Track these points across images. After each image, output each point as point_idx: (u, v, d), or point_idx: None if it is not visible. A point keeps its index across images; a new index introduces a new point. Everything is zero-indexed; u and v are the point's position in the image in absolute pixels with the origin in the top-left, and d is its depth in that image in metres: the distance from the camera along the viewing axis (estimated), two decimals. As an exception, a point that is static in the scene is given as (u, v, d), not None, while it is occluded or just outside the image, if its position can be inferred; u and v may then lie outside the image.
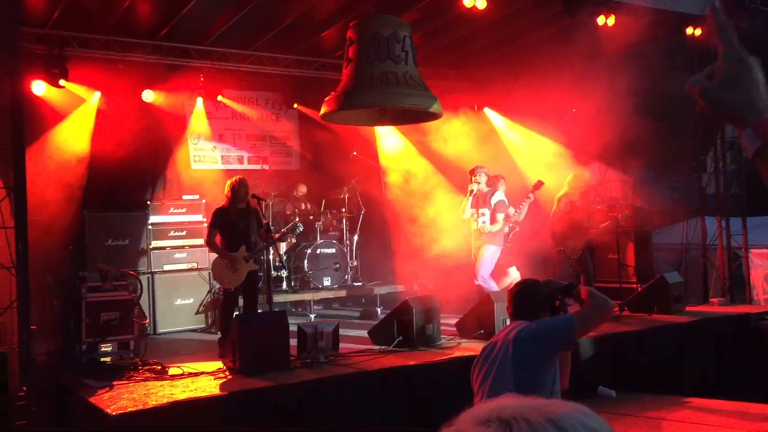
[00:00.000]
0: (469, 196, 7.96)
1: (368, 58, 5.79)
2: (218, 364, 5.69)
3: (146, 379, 5.26)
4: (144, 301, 7.37)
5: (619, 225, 8.39)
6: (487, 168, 8.11)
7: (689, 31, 8.65)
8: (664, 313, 7.68)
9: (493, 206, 7.83)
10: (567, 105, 9.75)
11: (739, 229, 9.09)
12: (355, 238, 10.23)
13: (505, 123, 11.01)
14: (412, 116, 6.49)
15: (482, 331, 6.52)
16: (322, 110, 5.93)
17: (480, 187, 7.90)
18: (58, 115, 8.81)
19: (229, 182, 6.79)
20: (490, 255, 7.82)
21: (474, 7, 7.47)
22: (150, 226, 8.58)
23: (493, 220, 7.83)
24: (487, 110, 11.13)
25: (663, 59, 9.07)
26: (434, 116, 6.23)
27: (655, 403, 5.91)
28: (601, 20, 8.04)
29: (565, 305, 3.33)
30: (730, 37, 1.17)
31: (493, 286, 7.69)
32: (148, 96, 9.48)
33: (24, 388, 5.21)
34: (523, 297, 3.37)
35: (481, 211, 7.87)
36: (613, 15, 8.00)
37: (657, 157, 10.84)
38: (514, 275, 8.12)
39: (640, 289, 8.36)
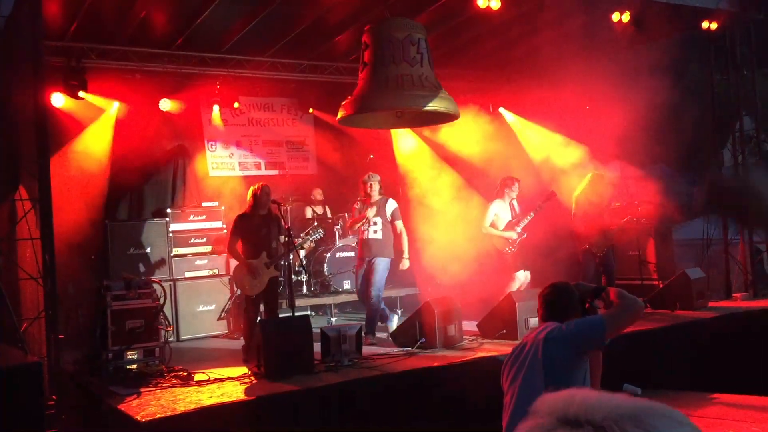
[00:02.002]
0: (361, 204, 7.78)
1: (383, 61, 5.81)
2: (243, 370, 5.75)
3: (173, 386, 5.31)
4: (167, 309, 7.42)
5: (639, 221, 8.35)
6: (379, 176, 7.82)
7: (705, 25, 8.61)
8: (687, 309, 7.63)
9: (390, 215, 7.56)
10: (582, 102, 9.72)
11: (761, 223, 9.02)
12: (374, 241, 10.22)
13: (521, 122, 10.98)
14: (429, 118, 6.49)
15: (504, 331, 6.53)
16: (339, 114, 5.96)
17: (372, 193, 7.63)
18: (77, 127, 8.92)
19: (251, 189, 6.83)
20: (384, 269, 7.48)
21: (488, 7, 7.48)
22: (171, 234, 8.65)
23: (391, 228, 7.56)
24: (502, 110, 11.11)
25: (679, 54, 9.01)
26: (451, 117, 6.23)
27: (680, 399, 5.86)
28: (615, 17, 8.02)
29: (595, 308, 3.33)
30: None
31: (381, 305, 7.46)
32: (166, 105, 9.60)
33: (53, 397, 5.28)
34: (553, 299, 3.37)
35: (373, 220, 7.54)
36: (628, 11, 7.97)
37: (674, 152, 10.77)
38: (522, 278, 8.07)
39: (661, 286, 8.31)
